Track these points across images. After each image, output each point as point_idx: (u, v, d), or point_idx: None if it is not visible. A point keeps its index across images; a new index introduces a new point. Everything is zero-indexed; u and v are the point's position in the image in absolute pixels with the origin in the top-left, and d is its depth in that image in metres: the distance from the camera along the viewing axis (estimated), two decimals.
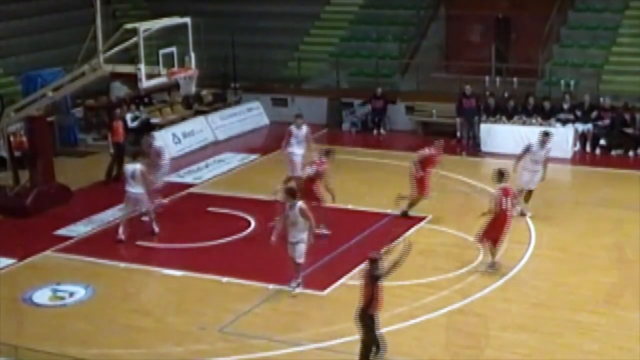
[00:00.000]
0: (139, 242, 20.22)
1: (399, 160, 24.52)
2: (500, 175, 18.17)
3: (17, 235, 21.04)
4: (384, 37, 32.48)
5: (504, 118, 27.27)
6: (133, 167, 20.12)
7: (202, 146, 28.69)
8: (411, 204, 21.13)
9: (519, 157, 21.05)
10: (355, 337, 15.21)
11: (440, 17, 33.51)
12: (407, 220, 20.87)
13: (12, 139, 23.95)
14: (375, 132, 29.86)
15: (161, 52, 20.83)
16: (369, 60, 31.98)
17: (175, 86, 27.20)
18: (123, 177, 20.83)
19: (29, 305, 17.15)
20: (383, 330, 15.52)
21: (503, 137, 26.39)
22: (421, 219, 21.11)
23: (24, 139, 24.11)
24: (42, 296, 17.39)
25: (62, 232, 20.92)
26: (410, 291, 17.09)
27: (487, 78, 29.76)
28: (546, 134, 20.98)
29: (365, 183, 24.05)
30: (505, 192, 17.96)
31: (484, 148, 27.06)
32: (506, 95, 28.41)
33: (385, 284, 17.45)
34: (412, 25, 32.73)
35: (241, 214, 21.79)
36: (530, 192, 21.09)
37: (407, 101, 30.24)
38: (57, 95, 22.97)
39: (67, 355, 14.99)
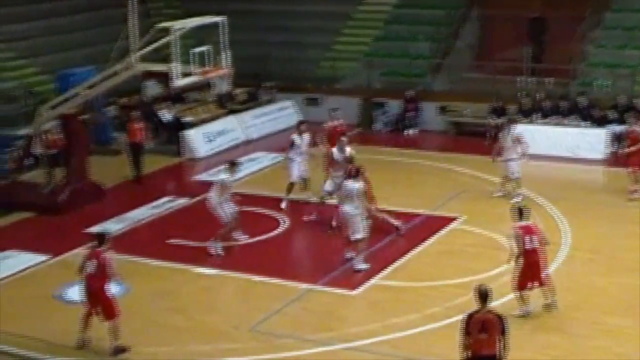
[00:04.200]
0: (170, 241, 20.31)
1: (430, 160, 24.49)
2: (520, 212, 16.01)
3: (50, 232, 21.20)
4: (417, 37, 32.41)
5: (538, 119, 27.18)
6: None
7: (233, 145, 28.74)
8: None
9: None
10: (385, 337, 15.26)
11: (473, 17, 33.35)
12: (438, 220, 20.82)
13: (45, 137, 24.10)
14: (406, 132, 29.85)
15: (194, 51, 20.89)
16: (401, 60, 31.90)
17: (208, 85, 27.28)
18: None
19: (61, 302, 17.28)
20: (415, 330, 15.55)
21: (538, 137, 26.21)
22: (453, 219, 21.08)
23: (58, 137, 24.27)
24: (74, 293, 17.45)
25: (94, 229, 20.94)
26: (442, 292, 17.05)
27: (519, 79, 29.62)
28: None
29: (397, 183, 23.98)
30: (528, 230, 15.88)
31: None
32: (538, 97, 28.25)
33: (417, 284, 17.58)
34: (444, 25, 32.64)
35: (272, 213, 21.82)
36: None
37: (439, 101, 30.19)
38: (91, 93, 23.08)
39: (98, 352, 15.09)
